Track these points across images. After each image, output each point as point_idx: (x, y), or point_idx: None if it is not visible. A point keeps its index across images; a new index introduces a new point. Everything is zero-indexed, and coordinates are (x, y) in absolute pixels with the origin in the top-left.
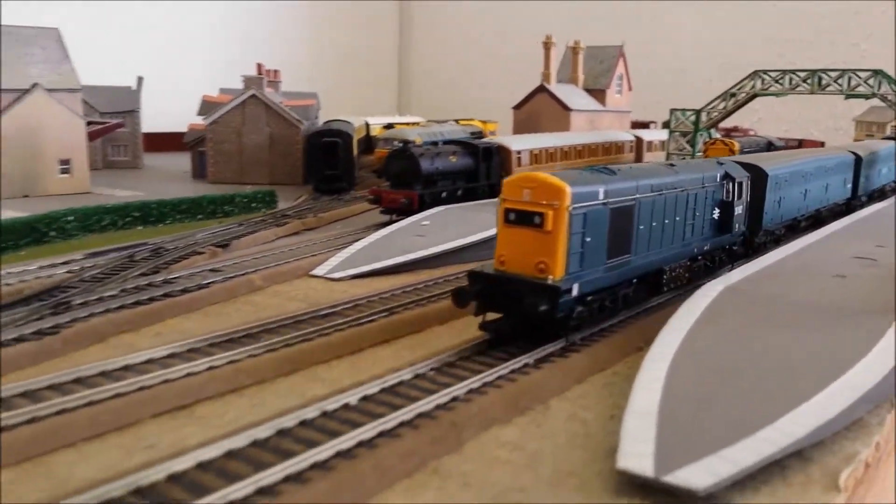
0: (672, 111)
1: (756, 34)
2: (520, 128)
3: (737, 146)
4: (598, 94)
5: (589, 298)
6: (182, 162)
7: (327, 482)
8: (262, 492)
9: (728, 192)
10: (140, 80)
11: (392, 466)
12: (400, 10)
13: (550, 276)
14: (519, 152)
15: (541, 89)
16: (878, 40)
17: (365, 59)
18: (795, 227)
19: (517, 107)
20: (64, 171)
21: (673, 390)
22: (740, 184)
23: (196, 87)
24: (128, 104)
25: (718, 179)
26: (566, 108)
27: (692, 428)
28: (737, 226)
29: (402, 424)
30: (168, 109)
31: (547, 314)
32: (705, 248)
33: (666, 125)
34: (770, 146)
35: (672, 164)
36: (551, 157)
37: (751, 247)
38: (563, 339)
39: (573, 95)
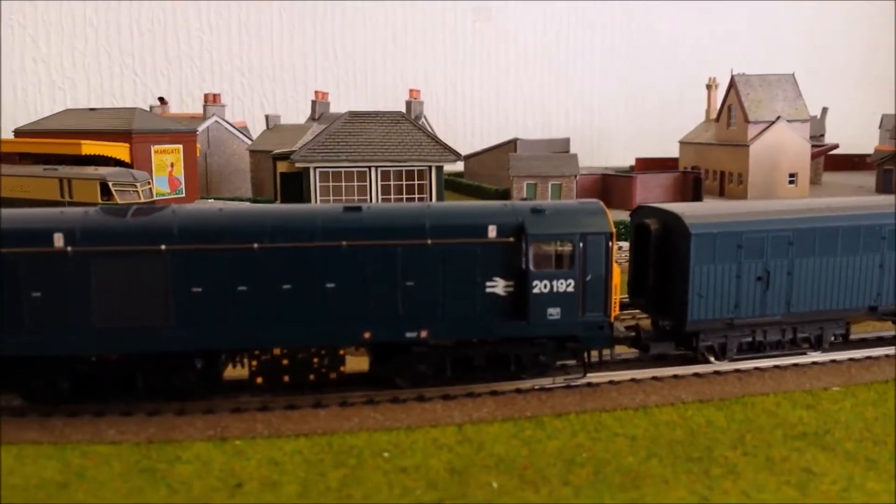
0: None
1: None
2: None
3: None
4: None
5: None
6: (861, 180)
7: None
8: None
9: (526, 257)
10: (824, 110)
11: None
12: None
13: None
14: None
15: None
16: None
17: None
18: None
19: None
20: (791, 182)
21: None
22: (580, 243)
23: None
24: (817, 130)
25: (496, 234)
26: None
27: None
28: (554, 312)
29: None
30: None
31: None
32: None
33: None
34: None
35: (356, 211)
36: None
37: (681, 340)
38: None
39: None
